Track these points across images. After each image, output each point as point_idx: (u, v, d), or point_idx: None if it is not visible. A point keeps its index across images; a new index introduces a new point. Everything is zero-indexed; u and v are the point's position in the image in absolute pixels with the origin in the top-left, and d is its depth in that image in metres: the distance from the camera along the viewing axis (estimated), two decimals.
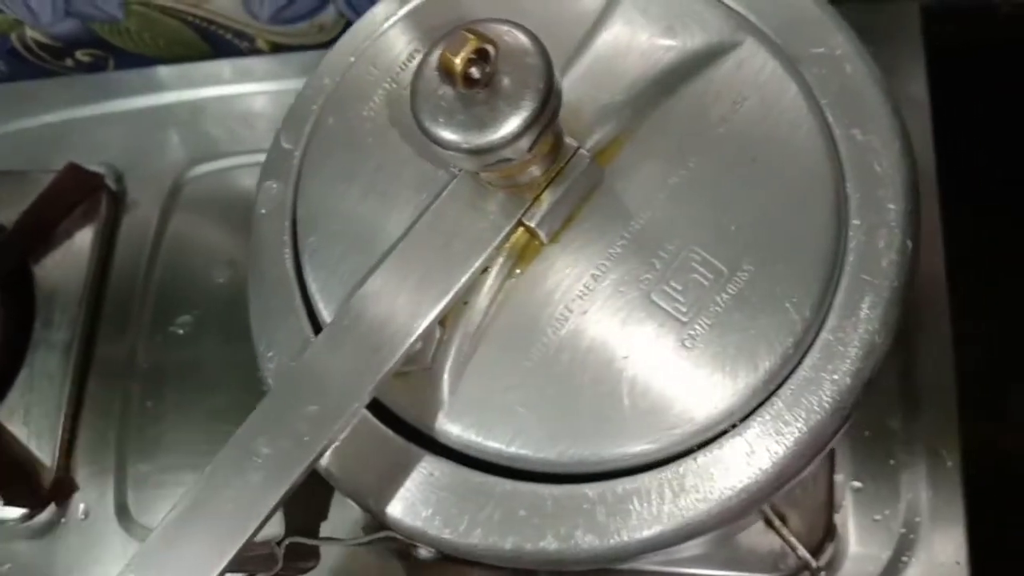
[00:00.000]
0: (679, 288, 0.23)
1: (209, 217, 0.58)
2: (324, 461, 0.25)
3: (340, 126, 0.28)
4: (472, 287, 0.24)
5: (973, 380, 0.44)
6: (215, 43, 0.62)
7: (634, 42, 0.23)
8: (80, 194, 0.57)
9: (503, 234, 0.23)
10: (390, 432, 0.25)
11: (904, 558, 0.40)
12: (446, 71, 0.18)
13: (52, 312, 0.56)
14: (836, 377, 0.22)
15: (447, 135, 0.19)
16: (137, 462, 0.52)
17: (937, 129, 0.47)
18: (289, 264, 0.28)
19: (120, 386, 0.54)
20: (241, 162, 0.57)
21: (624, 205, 0.24)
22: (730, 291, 0.23)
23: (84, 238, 0.57)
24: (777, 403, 0.22)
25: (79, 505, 0.52)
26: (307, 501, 0.33)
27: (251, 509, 0.23)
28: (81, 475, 0.53)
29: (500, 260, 0.24)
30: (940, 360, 0.43)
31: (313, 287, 0.27)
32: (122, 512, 0.52)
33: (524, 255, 0.24)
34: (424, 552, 0.29)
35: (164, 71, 0.61)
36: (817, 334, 0.23)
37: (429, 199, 0.24)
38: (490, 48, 0.18)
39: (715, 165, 0.24)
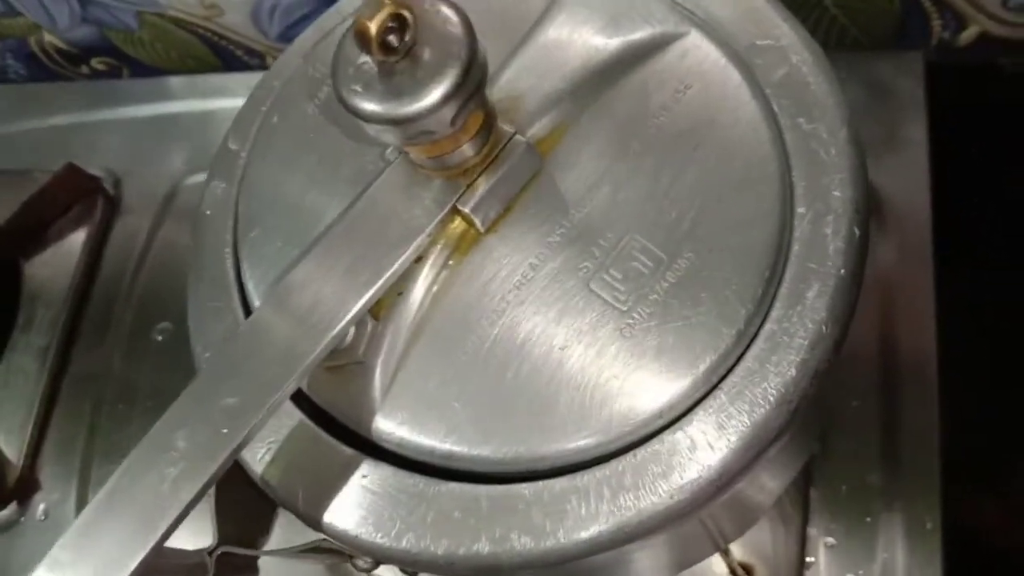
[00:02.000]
0: (618, 277, 0.22)
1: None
2: (256, 467, 0.24)
3: (285, 124, 0.27)
4: (406, 277, 0.23)
5: (964, 450, 0.42)
6: (226, 59, 0.63)
7: (576, 34, 0.23)
8: (76, 195, 0.58)
9: (437, 220, 0.22)
10: (323, 433, 0.24)
11: None
12: (361, 37, 0.17)
13: (35, 310, 0.56)
14: (782, 368, 0.21)
15: (366, 106, 0.19)
16: (102, 465, 0.52)
17: (937, 184, 0.46)
18: (229, 263, 0.27)
19: (94, 389, 0.54)
20: None
21: (563, 194, 0.23)
22: (670, 279, 0.22)
23: (76, 239, 0.58)
24: (720, 396, 0.21)
25: (40, 505, 0.51)
26: (247, 514, 0.32)
27: (166, 504, 0.22)
28: (45, 475, 0.52)
29: (436, 250, 0.23)
30: (925, 419, 0.41)
31: (250, 284, 0.26)
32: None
33: (460, 245, 0.24)
34: (361, 563, 0.28)
35: (174, 81, 0.62)
36: (761, 324, 0.22)
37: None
38: (407, 14, 0.17)
39: (657, 154, 0.23)
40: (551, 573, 0.24)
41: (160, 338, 0.54)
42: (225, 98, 0.60)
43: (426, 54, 0.18)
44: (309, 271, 0.22)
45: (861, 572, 0.39)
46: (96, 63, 0.67)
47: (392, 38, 0.18)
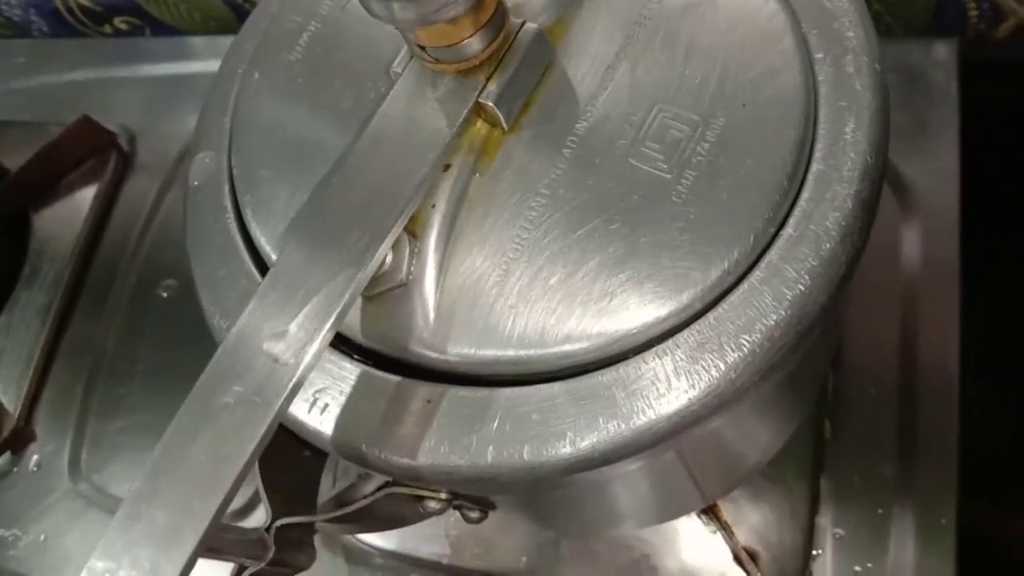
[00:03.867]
0: (656, 147, 0.22)
1: None
2: (309, 420, 0.23)
3: (267, 79, 0.27)
4: (436, 189, 0.22)
5: (983, 447, 0.41)
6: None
7: None
8: (90, 149, 0.57)
9: (460, 118, 0.21)
10: (373, 369, 0.23)
11: None
12: None
13: (42, 261, 0.55)
14: (837, 202, 0.21)
15: None
16: (98, 420, 0.51)
17: (966, 178, 0.45)
18: (234, 229, 0.26)
19: (96, 343, 0.53)
20: None
21: (581, 80, 0.23)
22: (710, 139, 0.22)
23: (87, 194, 0.57)
24: (784, 236, 0.21)
25: (33, 456, 0.51)
26: (294, 487, 0.30)
27: (229, 455, 0.19)
28: (41, 427, 0.51)
29: (461, 156, 0.22)
30: (944, 413, 0.40)
31: (261, 240, 0.25)
32: (74, 468, 0.50)
33: (486, 149, 0.23)
34: (433, 503, 0.26)
35: (194, 41, 0.61)
36: (807, 167, 0.21)
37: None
38: None
39: (667, 26, 0.23)
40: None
41: (165, 295, 0.53)
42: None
43: None
44: (337, 196, 0.21)
45: (870, 565, 0.38)
46: (119, 22, 0.66)
47: None
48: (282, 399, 0.20)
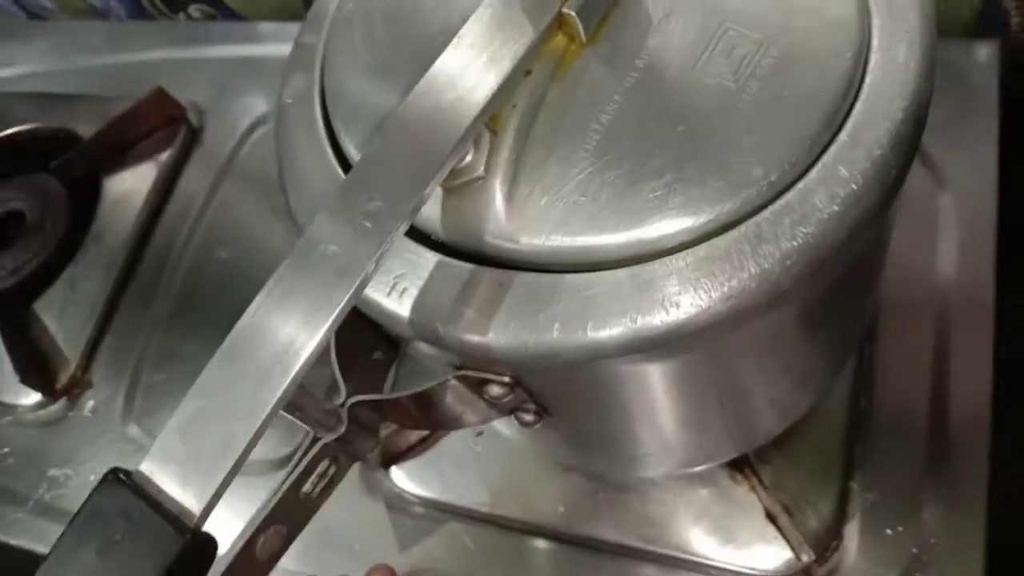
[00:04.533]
0: (723, 60, 0.24)
1: (272, 164, 0.60)
2: (387, 303, 0.24)
3: (358, 8, 0.29)
4: (518, 92, 0.24)
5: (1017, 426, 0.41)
6: None
7: None
8: (162, 120, 0.60)
9: (544, 26, 0.24)
10: (451, 259, 0.24)
11: None
12: None
13: (111, 222, 0.58)
14: (889, 113, 0.23)
15: None
16: (153, 371, 0.53)
17: (1004, 181, 0.46)
18: (323, 137, 0.28)
19: (155, 299, 0.55)
20: None
21: (654, 2, 0.25)
22: (773, 55, 0.24)
23: (155, 162, 0.60)
24: (840, 140, 0.23)
25: (88, 402, 0.53)
26: (366, 370, 0.31)
27: (330, 300, 0.21)
28: (97, 375, 0.54)
29: (541, 64, 0.25)
30: (978, 386, 0.41)
31: (349, 147, 0.26)
32: (127, 415, 0.52)
33: (565, 59, 0.25)
34: (496, 387, 0.26)
35: (263, 26, 0.65)
36: (862, 82, 0.23)
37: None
38: None
39: None
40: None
41: (224, 255, 0.56)
42: None
43: None
44: (423, 92, 0.23)
45: (901, 528, 0.39)
46: (193, 10, 0.70)
47: None
48: (374, 258, 0.21)
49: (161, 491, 0.21)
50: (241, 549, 0.24)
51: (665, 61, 0.24)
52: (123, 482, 0.20)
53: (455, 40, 0.24)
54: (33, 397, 0.53)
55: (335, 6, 0.30)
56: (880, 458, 0.40)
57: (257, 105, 0.62)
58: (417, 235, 0.25)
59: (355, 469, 0.45)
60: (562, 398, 0.27)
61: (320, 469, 0.26)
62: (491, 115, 0.24)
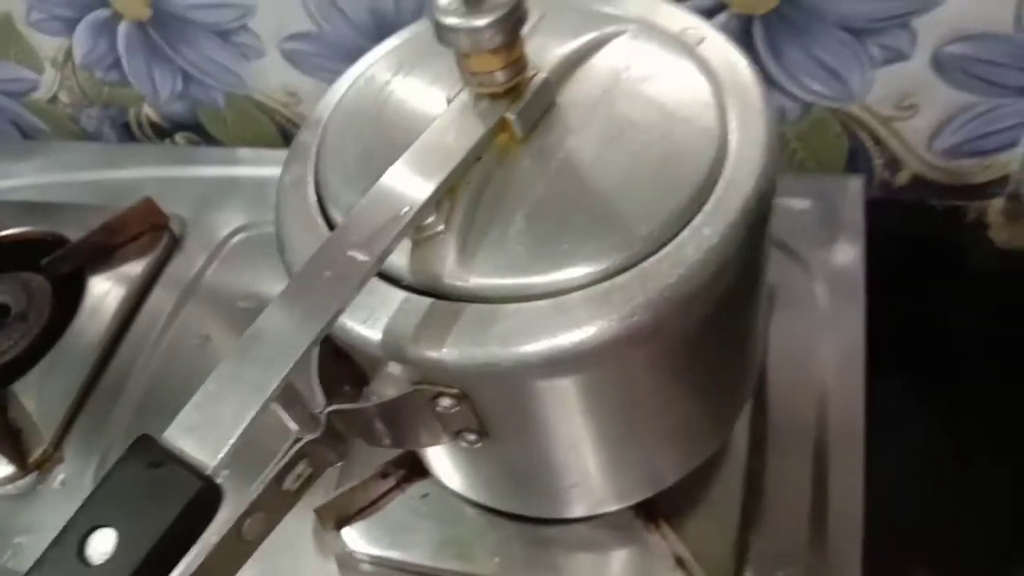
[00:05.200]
0: (621, 153, 0.32)
1: (244, 268, 0.67)
2: (367, 331, 0.31)
3: (354, 112, 0.38)
4: (470, 172, 0.32)
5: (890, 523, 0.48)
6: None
7: (557, 34, 0.36)
8: (147, 226, 0.67)
9: (491, 126, 0.32)
10: (415, 295, 0.31)
11: None
12: None
13: (92, 315, 0.64)
14: (742, 190, 0.31)
15: (452, 20, 0.29)
16: (122, 449, 0.57)
17: (872, 297, 0.55)
18: (318, 215, 0.36)
19: (128, 384, 0.60)
20: None
21: (572, 115, 0.34)
22: (657, 150, 0.32)
23: (137, 265, 0.66)
24: (706, 208, 0.31)
25: (59, 476, 0.57)
26: (341, 388, 0.37)
27: (328, 307, 0.28)
28: (69, 451, 0.58)
29: (489, 154, 0.33)
30: (851, 490, 0.47)
31: (334, 213, 0.34)
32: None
33: (506, 151, 0.33)
34: (448, 399, 0.32)
35: (242, 151, 0.73)
36: (721, 171, 0.32)
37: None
38: None
39: (632, 85, 0.34)
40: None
41: (196, 346, 0.61)
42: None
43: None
44: (400, 172, 0.31)
45: (791, 571, 0.44)
46: (179, 137, 0.79)
47: None
48: (360, 279, 0.28)
49: (182, 450, 0.26)
50: (230, 528, 0.30)
51: (580, 154, 0.33)
52: (151, 440, 0.26)
53: (426, 132, 0.32)
54: (5, 470, 0.56)
55: (328, 113, 0.38)
56: (771, 514, 0.46)
57: (235, 218, 0.69)
58: (387, 278, 0.32)
59: (308, 530, 0.50)
60: (499, 415, 0.34)
61: (298, 469, 0.32)
62: (450, 188, 0.32)
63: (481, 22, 0.29)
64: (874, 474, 0.47)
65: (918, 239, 0.63)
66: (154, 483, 0.25)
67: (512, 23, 0.29)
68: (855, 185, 0.59)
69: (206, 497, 0.25)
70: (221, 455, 0.26)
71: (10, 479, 0.56)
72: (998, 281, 0.62)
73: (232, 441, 0.26)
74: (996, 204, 0.61)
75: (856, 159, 0.61)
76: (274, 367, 0.27)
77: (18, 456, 0.57)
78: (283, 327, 0.28)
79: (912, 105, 0.57)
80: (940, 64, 0.54)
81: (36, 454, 0.57)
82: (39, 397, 0.60)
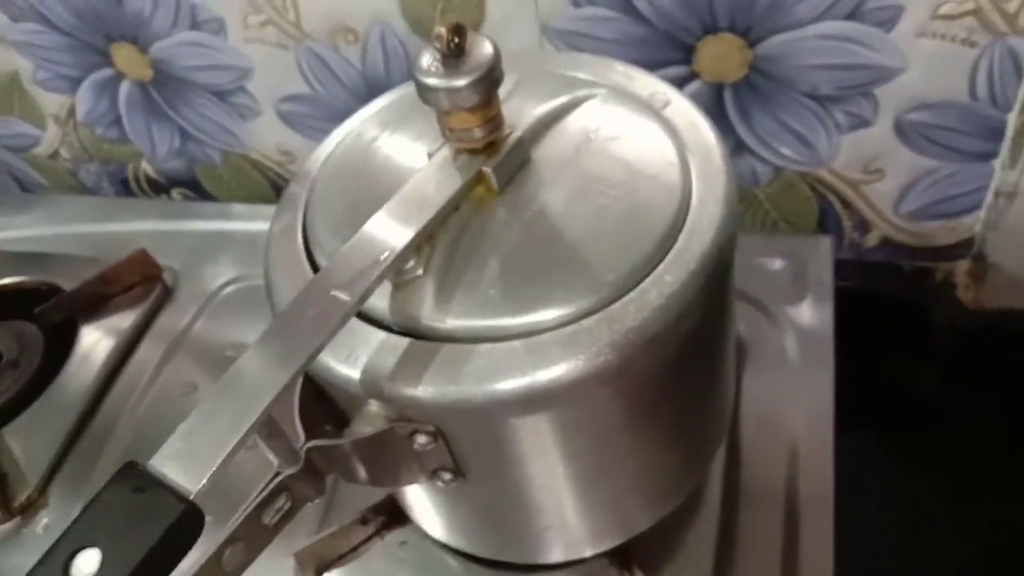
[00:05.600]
0: (590, 205, 0.35)
1: (233, 319, 0.68)
2: (347, 370, 0.32)
3: (342, 166, 0.40)
4: (449, 220, 0.34)
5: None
6: None
7: (531, 96, 0.38)
8: (140, 277, 0.69)
9: (469, 177, 0.34)
10: (394, 335, 0.33)
11: None
12: (439, 36, 0.30)
13: (83, 362, 0.65)
14: (702, 242, 0.34)
15: (433, 81, 0.31)
16: None
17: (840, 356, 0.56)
18: (305, 261, 0.38)
19: (117, 432, 0.61)
20: None
21: (546, 171, 0.36)
22: (624, 203, 0.35)
23: (129, 315, 0.68)
24: (668, 257, 0.33)
25: (43, 520, 0.57)
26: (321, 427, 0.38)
27: (310, 341, 0.30)
28: (54, 496, 0.58)
29: (467, 204, 0.35)
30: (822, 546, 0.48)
31: (321, 259, 0.36)
32: None
33: (483, 202, 0.35)
34: (422, 439, 0.34)
35: (235, 206, 0.76)
36: (685, 220, 0.34)
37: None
38: (465, 29, 0.30)
39: (601, 145, 0.37)
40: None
41: (185, 395, 0.63)
42: None
43: (469, 59, 0.31)
44: (382, 219, 0.33)
45: None
46: (175, 192, 0.81)
47: (456, 39, 0.30)
48: (341, 317, 0.30)
49: (166, 475, 0.28)
50: (211, 556, 0.31)
51: (552, 206, 0.35)
52: (136, 467, 0.28)
53: (407, 183, 0.35)
54: None
55: (318, 167, 0.41)
56: (744, 555, 0.47)
57: (227, 271, 0.71)
58: (368, 319, 0.34)
59: None
60: (473, 453, 0.35)
61: (278, 504, 0.33)
62: (429, 235, 0.34)
63: (460, 83, 0.31)
64: (842, 527, 0.48)
65: (887, 299, 0.65)
66: (138, 506, 0.27)
67: (489, 83, 0.32)
68: (825, 245, 0.61)
69: (189, 520, 0.27)
70: (204, 481, 0.27)
71: None
72: (965, 340, 0.64)
73: (214, 468, 0.28)
74: (962, 265, 0.64)
75: (827, 220, 0.64)
76: (257, 399, 0.29)
77: (3, 501, 0.57)
78: (266, 362, 0.30)
79: (878, 169, 0.60)
80: (902, 130, 0.57)
81: (21, 499, 0.58)
82: (27, 443, 0.60)
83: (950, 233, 0.62)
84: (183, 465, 0.28)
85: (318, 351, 0.30)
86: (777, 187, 0.62)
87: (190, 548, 0.27)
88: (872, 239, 0.64)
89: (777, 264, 0.61)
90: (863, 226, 0.63)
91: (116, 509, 0.27)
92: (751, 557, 0.48)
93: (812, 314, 0.58)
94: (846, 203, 0.62)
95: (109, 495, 0.27)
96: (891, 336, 0.63)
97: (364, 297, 0.31)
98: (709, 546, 0.48)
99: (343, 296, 0.31)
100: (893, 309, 0.64)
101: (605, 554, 0.45)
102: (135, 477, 0.27)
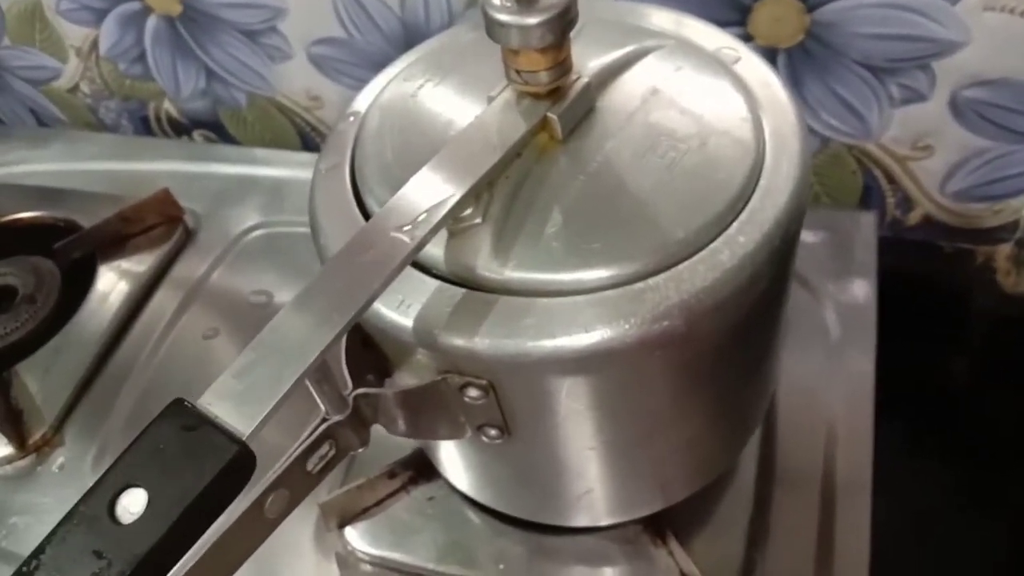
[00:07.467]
0: (659, 159, 0.33)
1: (256, 265, 0.67)
2: (400, 317, 0.31)
3: (391, 107, 0.38)
4: (510, 167, 0.33)
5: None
6: (311, 149, 0.76)
7: (599, 42, 0.37)
8: (162, 218, 0.67)
9: (533, 123, 0.32)
10: (448, 284, 0.32)
11: None
12: None
13: (102, 301, 0.63)
14: (777, 200, 0.32)
15: (505, 17, 0.29)
16: (123, 437, 0.57)
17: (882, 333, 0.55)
18: (353, 203, 0.36)
19: (135, 373, 0.60)
20: (297, 230, 0.67)
21: (612, 119, 0.34)
22: (695, 158, 0.33)
23: (150, 255, 0.66)
24: (740, 218, 0.32)
25: (58, 459, 0.56)
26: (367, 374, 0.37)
27: (369, 285, 0.29)
28: (69, 435, 0.57)
29: (529, 151, 0.33)
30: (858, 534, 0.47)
31: (372, 204, 0.34)
32: (94, 473, 0.55)
33: (546, 150, 0.34)
34: (474, 391, 0.33)
35: (259, 151, 0.74)
36: (758, 181, 0.33)
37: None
38: None
39: (672, 97, 0.35)
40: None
41: (205, 339, 0.61)
42: (299, 169, 0.71)
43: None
44: (443, 161, 0.32)
45: None
46: (196, 134, 0.79)
47: None
48: (403, 259, 0.29)
49: (217, 416, 0.26)
50: (254, 502, 0.30)
51: (617, 157, 0.33)
52: (185, 404, 0.26)
53: (468, 126, 0.33)
54: (5, 450, 0.56)
55: (366, 106, 0.39)
56: (778, 533, 0.46)
57: (250, 216, 0.69)
58: (421, 267, 0.32)
59: (309, 529, 0.50)
60: (523, 410, 0.34)
61: (322, 451, 0.32)
62: (489, 181, 0.32)
63: (533, 20, 0.30)
64: (877, 514, 0.47)
65: (925, 280, 0.64)
66: (188, 445, 0.25)
67: (563, 24, 0.30)
68: (868, 221, 0.59)
69: (241, 463, 0.25)
70: (257, 423, 0.26)
71: (8, 460, 0.56)
72: (1002, 325, 0.63)
73: (268, 410, 0.26)
74: (1004, 249, 0.62)
75: (869, 196, 0.62)
76: (312, 341, 0.27)
77: (18, 437, 0.56)
78: (322, 303, 0.28)
79: (927, 146, 0.58)
80: (957, 107, 0.55)
81: (36, 436, 0.57)
82: (43, 380, 0.59)
83: (995, 215, 0.61)
84: (236, 405, 0.26)
85: (377, 294, 0.28)
86: (823, 159, 0.61)
87: (239, 492, 0.26)
88: (914, 217, 0.63)
89: (818, 237, 0.59)
90: (906, 204, 0.62)
91: (164, 447, 0.25)
92: (784, 534, 0.47)
93: (854, 292, 0.57)
94: (891, 179, 0.61)
95: (156, 432, 0.26)
96: (927, 318, 0.62)
97: (424, 242, 0.30)
98: (743, 521, 0.47)
99: (404, 238, 0.29)
100: (930, 290, 0.63)
101: (639, 520, 0.44)
102: (184, 414, 0.26)
